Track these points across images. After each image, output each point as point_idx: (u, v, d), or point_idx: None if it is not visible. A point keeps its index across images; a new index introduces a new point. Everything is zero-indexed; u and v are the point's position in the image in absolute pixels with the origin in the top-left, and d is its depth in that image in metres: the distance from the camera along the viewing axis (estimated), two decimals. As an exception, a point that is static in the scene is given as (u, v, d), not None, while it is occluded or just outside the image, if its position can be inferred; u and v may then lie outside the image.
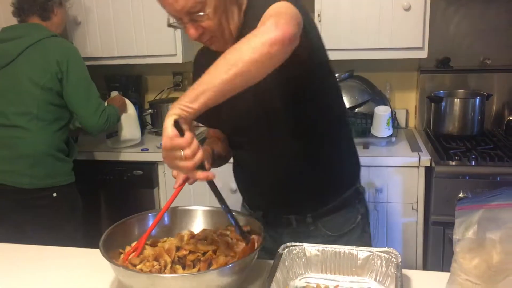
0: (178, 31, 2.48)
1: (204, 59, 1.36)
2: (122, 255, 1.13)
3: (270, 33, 0.94)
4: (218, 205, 1.16)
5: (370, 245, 1.40)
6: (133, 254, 1.12)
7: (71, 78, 2.01)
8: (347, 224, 1.35)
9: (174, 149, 0.94)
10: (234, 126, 1.32)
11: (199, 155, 0.96)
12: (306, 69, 1.14)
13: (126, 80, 2.77)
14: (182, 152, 0.94)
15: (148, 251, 1.13)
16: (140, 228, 1.22)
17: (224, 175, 2.36)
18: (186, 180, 1.21)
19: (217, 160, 1.38)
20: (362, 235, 1.38)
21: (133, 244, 1.17)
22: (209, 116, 1.38)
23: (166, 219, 1.28)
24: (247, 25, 1.16)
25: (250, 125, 1.27)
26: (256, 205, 1.42)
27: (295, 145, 1.26)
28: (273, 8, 1.02)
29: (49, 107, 2.01)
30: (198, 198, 2.14)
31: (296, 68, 1.08)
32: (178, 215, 1.30)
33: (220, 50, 1.21)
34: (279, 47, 0.95)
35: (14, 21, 2.15)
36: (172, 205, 1.23)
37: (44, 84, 1.98)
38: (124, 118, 2.41)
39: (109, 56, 2.57)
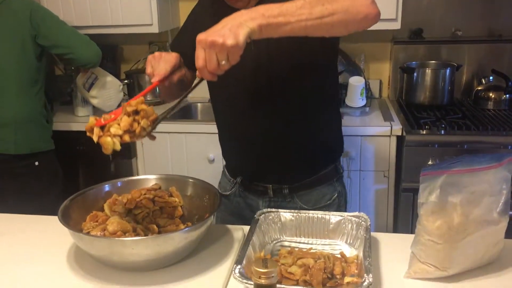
0: (154, 0, 2.46)
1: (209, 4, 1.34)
2: (91, 120, 1.06)
3: (370, 6, 1.00)
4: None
5: None
6: (110, 119, 1.05)
7: (50, 25, 2.02)
8: (322, 200, 1.39)
9: (226, 55, 0.93)
10: (236, 86, 1.29)
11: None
12: (327, 44, 1.18)
13: (101, 50, 2.74)
14: (225, 60, 0.93)
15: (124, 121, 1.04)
16: (100, 197, 1.22)
17: (202, 146, 2.40)
18: (165, 78, 1.18)
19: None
20: None
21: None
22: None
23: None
24: None
25: (252, 89, 1.26)
26: (237, 171, 1.45)
27: (289, 115, 1.29)
28: None
29: (26, 70, 2.01)
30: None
31: (321, 43, 1.12)
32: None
33: (242, 7, 1.18)
34: (368, 22, 1.02)
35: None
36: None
37: (19, 46, 1.97)
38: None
39: (83, 25, 2.53)
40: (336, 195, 1.41)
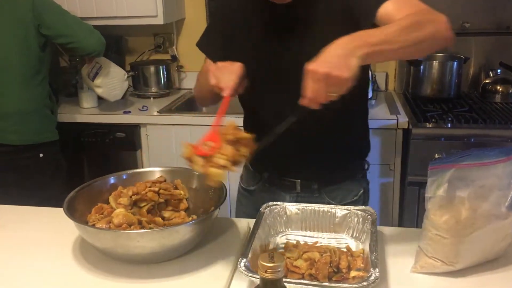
0: (159, -8, 2.45)
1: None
2: (188, 149, 1.03)
3: (449, 31, 1.03)
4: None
5: None
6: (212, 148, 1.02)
7: (53, 14, 2.01)
8: (349, 196, 1.37)
9: (338, 88, 0.91)
10: (268, 85, 1.26)
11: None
12: None
13: (105, 42, 2.74)
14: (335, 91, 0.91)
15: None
16: (105, 189, 1.21)
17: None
18: (236, 91, 1.15)
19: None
20: None
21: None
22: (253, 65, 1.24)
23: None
24: None
25: (285, 87, 1.23)
26: (264, 166, 1.40)
27: (320, 111, 1.25)
28: (423, 4, 1.09)
29: (30, 60, 2.00)
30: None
31: None
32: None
33: (282, 1, 1.17)
34: (444, 45, 1.05)
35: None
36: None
37: (22, 37, 1.96)
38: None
39: (88, 16, 2.51)
40: (362, 191, 1.40)
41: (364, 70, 1.32)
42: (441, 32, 1.02)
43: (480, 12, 2.59)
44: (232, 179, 2.41)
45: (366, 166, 1.43)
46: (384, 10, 1.08)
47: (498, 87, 2.49)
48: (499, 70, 2.55)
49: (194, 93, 1.45)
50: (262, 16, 1.26)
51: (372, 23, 1.10)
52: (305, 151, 1.31)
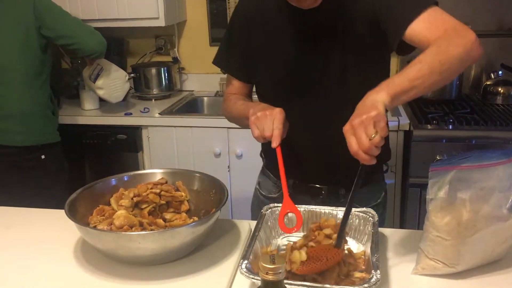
0: (160, -6, 2.46)
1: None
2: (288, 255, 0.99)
3: (479, 48, 1.03)
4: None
5: (383, 223, 1.40)
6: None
7: (54, 15, 2.02)
8: (373, 200, 1.36)
9: (373, 127, 0.92)
10: (297, 89, 1.26)
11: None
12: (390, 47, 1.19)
13: (107, 44, 2.75)
14: (374, 132, 0.91)
15: None
16: (106, 191, 1.21)
17: (208, 140, 2.40)
18: (282, 138, 1.13)
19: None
20: (383, 214, 1.38)
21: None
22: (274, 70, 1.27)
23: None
24: None
25: (310, 92, 1.24)
26: (289, 174, 1.28)
27: (347, 114, 1.25)
28: (452, 21, 1.08)
29: (31, 62, 2.01)
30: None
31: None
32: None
33: (309, 6, 1.16)
34: (474, 62, 1.06)
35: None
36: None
37: (23, 38, 1.97)
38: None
39: (90, 18, 2.52)
40: (383, 193, 1.39)
41: (385, 71, 1.32)
42: (469, 53, 1.01)
43: (481, 14, 2.59)
44: (233, 180, 2.43)
45: (385, 168, 1.42)
46: (413, 29, 1.08)
47: (500, 89, 2.49)
48: (500, 72, 2.55)
49: (225, 114, 1.41)
50: (288, 25, 1.24)
51: (400, 39, 1.10)
52: (332, 157, 1.28)
